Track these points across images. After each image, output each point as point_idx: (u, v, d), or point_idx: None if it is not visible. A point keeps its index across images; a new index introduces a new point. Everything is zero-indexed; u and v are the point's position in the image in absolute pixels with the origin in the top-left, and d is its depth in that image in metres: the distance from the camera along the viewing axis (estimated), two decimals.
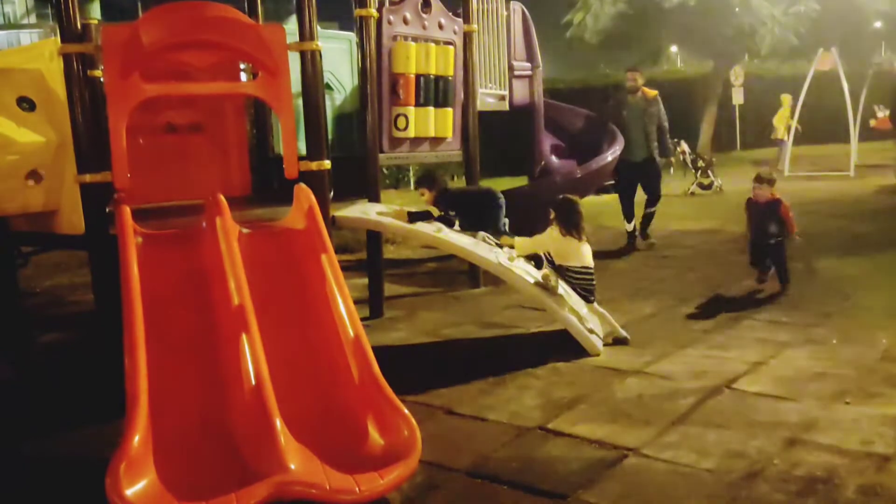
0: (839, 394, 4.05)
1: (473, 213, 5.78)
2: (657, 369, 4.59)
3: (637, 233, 8.65)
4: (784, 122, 16.94)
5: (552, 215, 5.16)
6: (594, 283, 5.17)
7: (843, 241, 8.34)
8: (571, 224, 5.06)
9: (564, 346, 4.92)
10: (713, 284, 6.71)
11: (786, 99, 17.00)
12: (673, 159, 13.85)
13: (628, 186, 8.65)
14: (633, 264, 7.91)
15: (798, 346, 4.89)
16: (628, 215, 8.67)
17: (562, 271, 5.11)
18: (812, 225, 9.44)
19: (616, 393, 4.25)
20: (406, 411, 3.37)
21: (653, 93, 8.56)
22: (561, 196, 5.22)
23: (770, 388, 4.19)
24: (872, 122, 16.96)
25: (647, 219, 8.72)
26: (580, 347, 4.90)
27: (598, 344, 4.96)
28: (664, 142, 8.58)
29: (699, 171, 13.94)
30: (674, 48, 23.57)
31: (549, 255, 5.21)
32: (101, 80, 4.87)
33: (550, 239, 5.15)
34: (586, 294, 5.15)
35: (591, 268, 5.14)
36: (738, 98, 20.22)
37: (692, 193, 13.54)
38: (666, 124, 8.59)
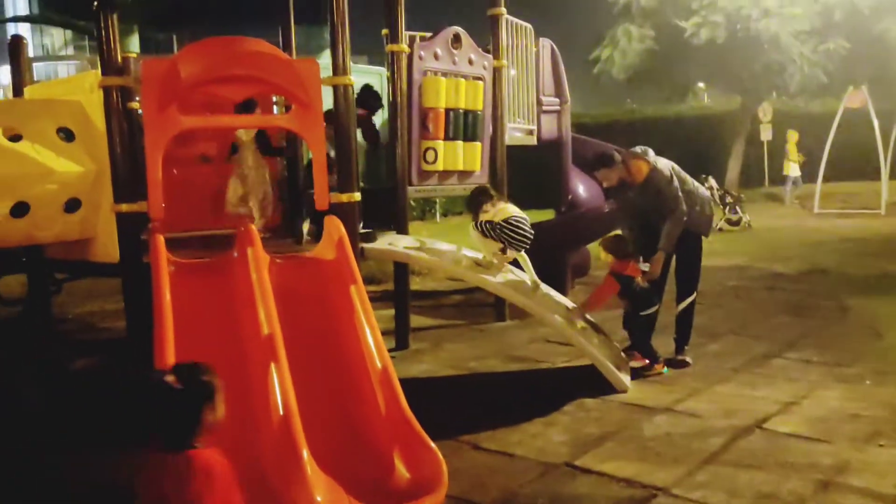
0: (873, 435, 3.97)
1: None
2: (686, 407, 4.54)
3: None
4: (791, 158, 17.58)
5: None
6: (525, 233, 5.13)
7: (875, 279, 8.22)
8: (473, 210, 5.29)
9: (591, 381, 4.89)
10: (742, 321, 6.63)
11: (791, 135, 17.70)
12: None
13: None
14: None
15: (830, 385, 4.81)
16: None
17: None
18: (843, 263, 9.34)
19: (644, 430, 4.20)
20: (433, 445, 3.35)
21: (642, 170, 5.29)
22: None
23: (802, 428, 4.12)
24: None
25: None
26: (607, 383, 4.86)
27: (626, 380, 4.92)
28: (669, 234, 5.19)
29: (727, 208, 13.90)
30: (700, 83, 23.56)
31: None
32: (139, 111, 5.00)
33: (478, 241, 5.24)
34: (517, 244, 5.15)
35: (514, 218, 5.14)
36: (766, 135, 20.15)
37: (720, 229, 13.44)
38: (675, 205, 5.19)
